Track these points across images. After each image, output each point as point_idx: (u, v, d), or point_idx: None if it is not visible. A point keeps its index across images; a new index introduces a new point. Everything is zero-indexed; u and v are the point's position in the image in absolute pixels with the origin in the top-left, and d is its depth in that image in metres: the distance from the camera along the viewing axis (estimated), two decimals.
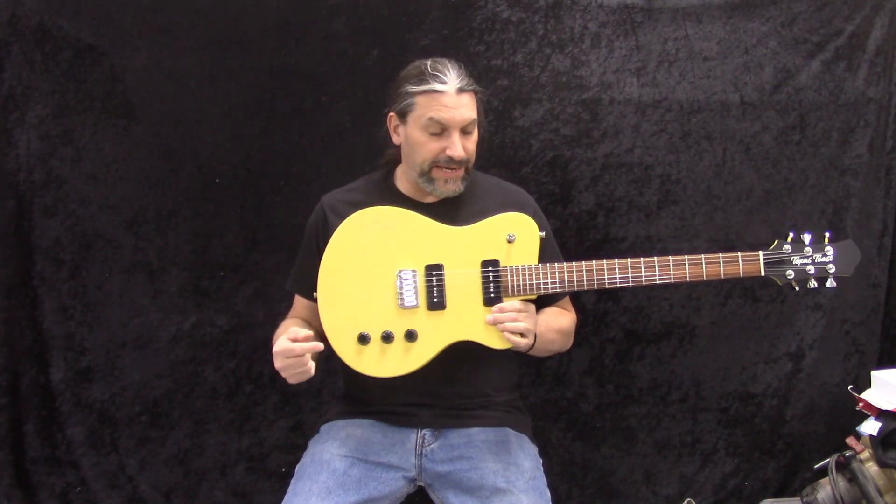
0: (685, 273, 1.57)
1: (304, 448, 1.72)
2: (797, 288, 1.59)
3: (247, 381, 2.30)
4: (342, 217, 1.65)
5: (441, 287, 1.59)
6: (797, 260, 1.58)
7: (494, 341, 1.57)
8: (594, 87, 2.26)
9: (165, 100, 2.20)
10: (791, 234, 1.59)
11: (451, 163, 1.63)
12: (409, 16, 2.21)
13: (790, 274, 1.57)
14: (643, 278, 1.58)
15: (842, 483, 2.01)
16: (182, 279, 2.26)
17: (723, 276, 1.57)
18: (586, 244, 2.29)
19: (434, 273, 1.59)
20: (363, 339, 1.58)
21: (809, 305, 2.36)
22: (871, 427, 1.95)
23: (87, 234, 2.22)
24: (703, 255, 1.57)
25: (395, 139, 1.71)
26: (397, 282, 1.59)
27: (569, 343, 1.79)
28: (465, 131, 1.64)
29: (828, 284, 1.58)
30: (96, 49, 2.17)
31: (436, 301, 1.59)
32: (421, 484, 1.67)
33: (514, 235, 1.60)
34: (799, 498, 2.12)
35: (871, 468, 1.97)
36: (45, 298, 2.22)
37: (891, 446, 1.92)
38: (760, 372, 2.37)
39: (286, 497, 1.57)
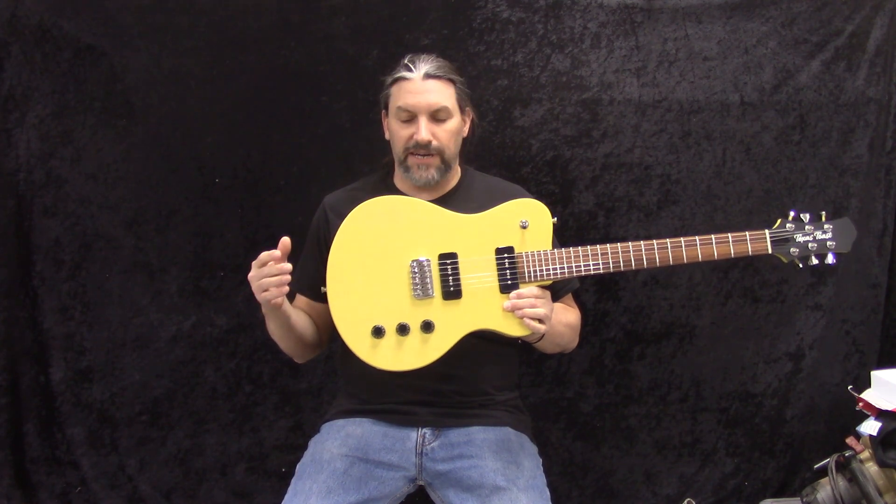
0: (697, 254, 1.58)
1: (304, 448, 1.71)
2: (801, 266, 1.61)
3: (247, 381, 2.30)
4: (344, 217, 1.64)
5: (456, 276, 1.56)
6: (800, 237, 1.60)
7: (513, 328, 1.54)
8: (594, 87, 2.26)
9: (165, 100, 2.20)
10: (792, 213, 1.61)
11: (419, 148, 1.64)
12: (409, 16, 2.21)
13: (794, 251, 1.60)
14: (657, 259, 1.57)
15: (842, 483, 2.01)
16: (182, 279, 2.26)
17: (733, 255, 1.58)
18: (586, 244, 2.28)
19: (448, 262, 1.57)
20: (378, 332, 1.54)
21: (809, 305, 2.36)
22: (870, 427, 1.95)
23: (87, 234, 2.22)
24: (712, 236, 1.58)
25: (386, 134, 1.75)
26: (411, 272, 1.56)
27: (576, 340, 1.79)
28: (435, 118, 1.65)
29: (827, 261, 1.60)
30: (96, 49, 2.17)
31: (452, 290, 1.56)
32: (421, 483, 1.66)
33: (527, 221, 1.58)
34: (799, 498, 2.12)
35: (871, 468, 1.97)
36: (45, 298, 2.22)
37: (891, 446, 1.92)
38: (760, 372, 2.37)
39: (286, 496, 1.57)
